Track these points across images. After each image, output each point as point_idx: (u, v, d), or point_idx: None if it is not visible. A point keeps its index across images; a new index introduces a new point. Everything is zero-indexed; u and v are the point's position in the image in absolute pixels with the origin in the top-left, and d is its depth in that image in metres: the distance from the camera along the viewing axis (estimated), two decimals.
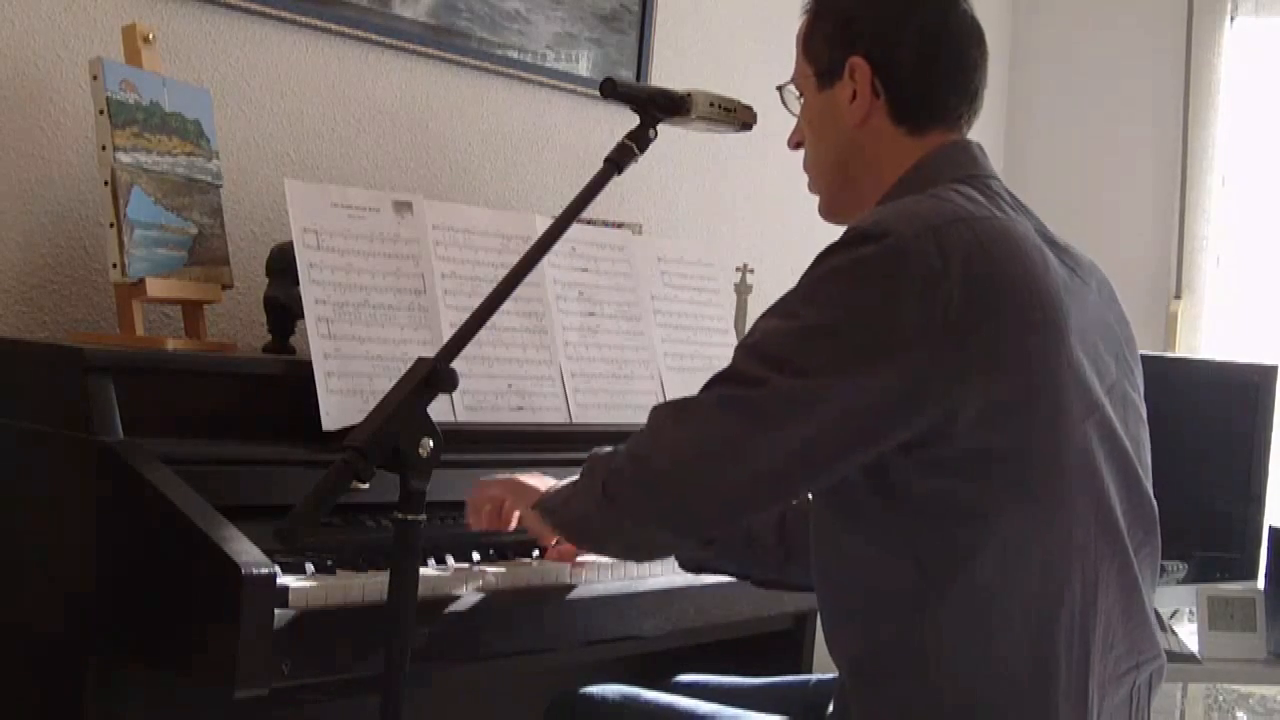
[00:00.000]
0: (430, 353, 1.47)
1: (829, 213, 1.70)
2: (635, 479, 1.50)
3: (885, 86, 1.60)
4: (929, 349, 1.38)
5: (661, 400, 2.25)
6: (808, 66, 1.66)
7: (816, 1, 1.67)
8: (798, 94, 1.69)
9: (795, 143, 1.71)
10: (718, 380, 1.48)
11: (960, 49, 1.63)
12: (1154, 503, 1.56)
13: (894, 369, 1.39)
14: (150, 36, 1.99)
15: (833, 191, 1.68)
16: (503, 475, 1.80)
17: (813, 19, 1.66)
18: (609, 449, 1.57)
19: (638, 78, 2.94)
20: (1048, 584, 1.43)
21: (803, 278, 1.47)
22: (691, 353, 2.37)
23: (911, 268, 1.40)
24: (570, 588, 1.82)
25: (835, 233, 1.50)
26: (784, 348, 1.44)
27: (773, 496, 1.52)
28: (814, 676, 1.93)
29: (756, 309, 2.84)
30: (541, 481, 1.75)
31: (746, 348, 1.48)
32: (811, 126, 1.67)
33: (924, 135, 1.60)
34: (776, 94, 1.72)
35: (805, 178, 1.70)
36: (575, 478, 1.62)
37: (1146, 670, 1.53)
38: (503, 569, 1.77)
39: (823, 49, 1.64)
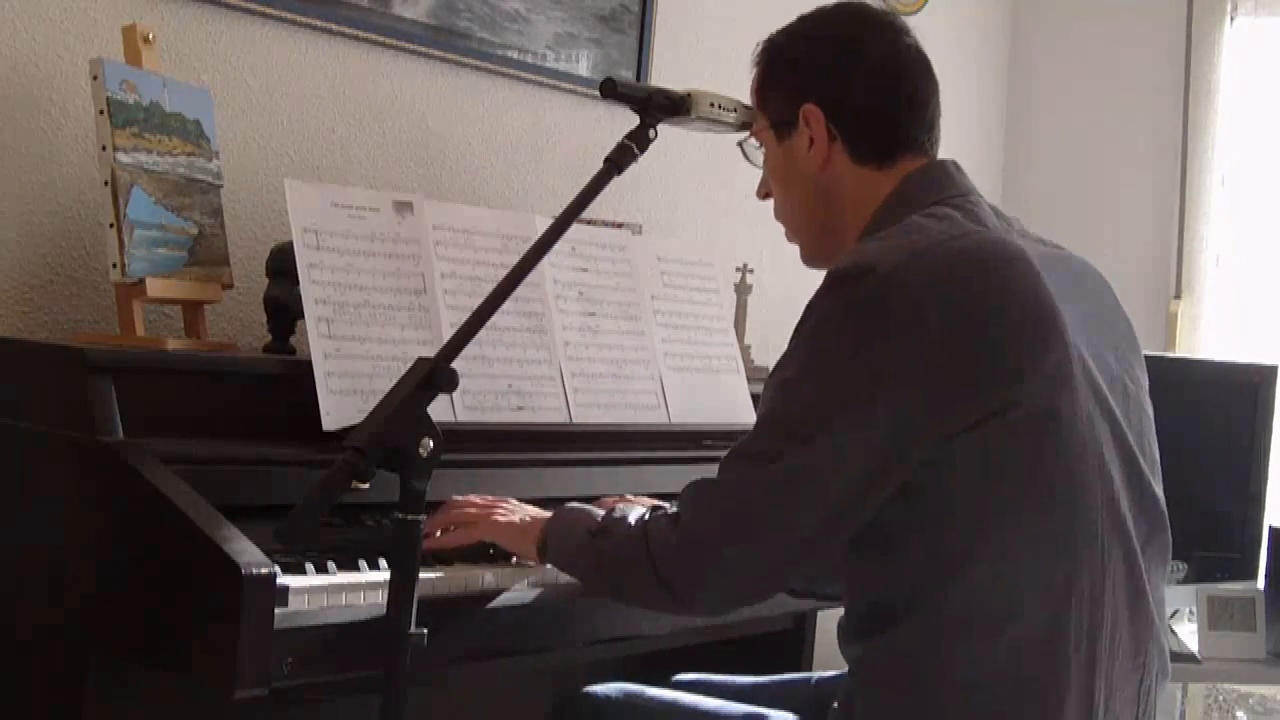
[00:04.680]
0: (430, 353, 1.47)
1: (811, 259, 1.71)
2: (679, 547, 1.48)
3: (840, 129, 1.61)
4: (925, 377, 1.39)
5: (661, 400, 2.26)
6: (764, 119, 1.68)
7: (764, 53, 1.69)
8: (758, 145, 1.71)
9: (764, 194, 1.73)
10: (735, 457, 1.48)
11: (909, 83, 1.63)
12: (1160, 499, 1.56)
13: (894, 401, 1.40)
14: (150, 36, 1.99)
15: (811, 239, 1.70)
16: (478, 502, 1.79)
17: (763, 72, 1.69)
18: (627, 517, 1.57)
19: (638, 78, 2.94)
20: (1054, 584, 1.43)
21: (796, 331, 1.48)
22: (691, 353, 2.37)
23: (896, 300, 1.41)
24: (571, 587, 1.81)
25: None
26: (790, 416, 1.45)
27: (809, 556, 1.49)
28: (816, 674, 1.93)
29: (756, 309, 2.87)
30: (522, 518, 1.74)
31: (760, 420, 1.49)
32: (776, 178, 1.70)
33: (891, 167, 1.61)
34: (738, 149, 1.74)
35: None
36: (582, 519, 1.62)
37: (1153, 668, 1.53)
38: (503, 569, 1.76)
39: (775, 100, 1.67)
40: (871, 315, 1.42)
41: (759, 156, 1.72)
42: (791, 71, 1.65)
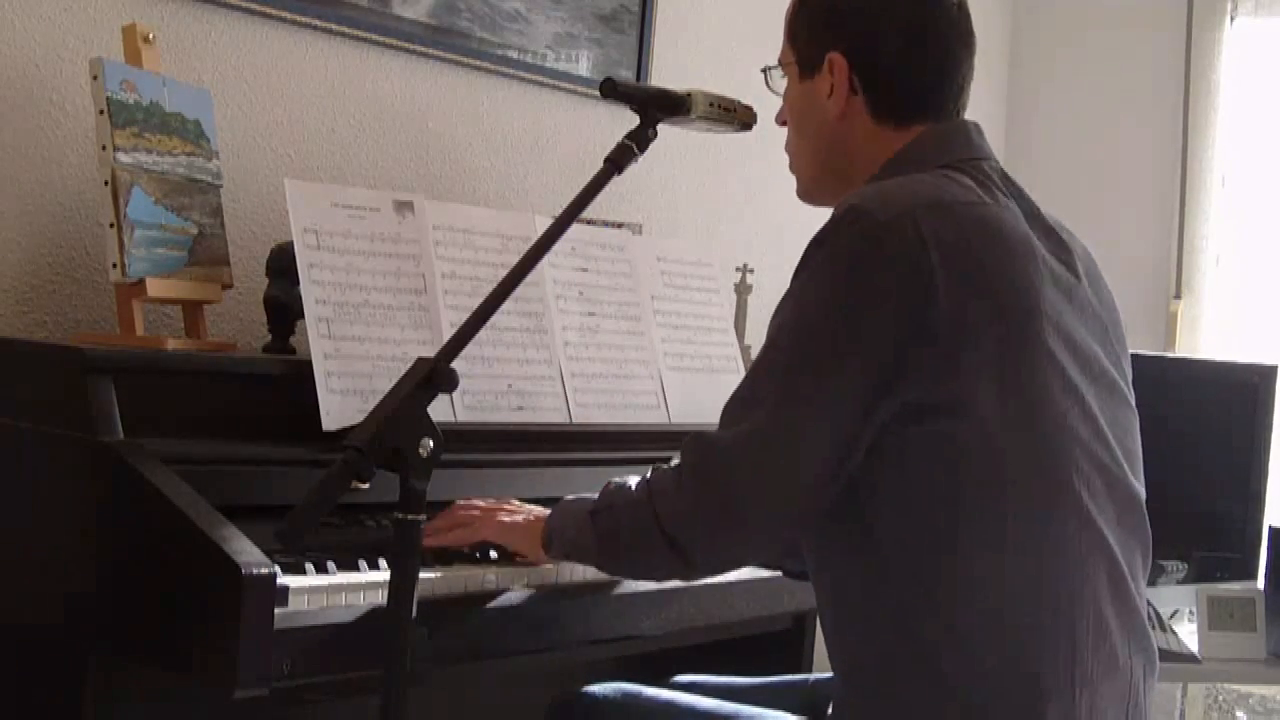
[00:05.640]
0: (430, 353, 1.47)
1: (804, 195, 1.71)
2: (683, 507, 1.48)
3: (863, 84, 1.59)
4: (909, 330, 1.39)
5: (661, 400, 2.26)
6: (791, 52, 1.66)
7: None
8: (782, 74, 1.68)
9: (782, 120, 1.71)
10: (732, 404, 1.48)
11: (943, 46, 1.60)
12: (1140, 491, 1.55)
13: (873, 354, 1.40)
14: (150, 36, 1.99)
15: (811, 178, 1.69)
16: (483, 505, 1.79)
17: (799, 3, 1.66)
18: (624, 485, 1.57)
19: (638, 78, 2.94)
20: (1031, 580, 1.43)
21: (797, 271, 1.49)
22: (691, 353, 2.37)
23: (889, 250, 1.41)
24: (570, 587, 1.81)
25: None
26: (789, 361, 1.46)
27: (815, 503, 1.49)
28: (813, 675, 1.93)
29: (756, 309, 2.86)
30: (525, 517, 1.75)
31: (756, 364, 1.49)
32: (793, 113, 1.67)
33: (908, 128, 1.59)
34: (762, 75, 1.71)
35: None
36: (575, 511, 1.62)
37: (1140, 661, 1.52)
38: (503, 569, 1.76)
39: (803, 38, 1.63)
40: (864, 263, 1.41)
41: (781, 85, 1.69)
42: (825, 14, 1.61)
